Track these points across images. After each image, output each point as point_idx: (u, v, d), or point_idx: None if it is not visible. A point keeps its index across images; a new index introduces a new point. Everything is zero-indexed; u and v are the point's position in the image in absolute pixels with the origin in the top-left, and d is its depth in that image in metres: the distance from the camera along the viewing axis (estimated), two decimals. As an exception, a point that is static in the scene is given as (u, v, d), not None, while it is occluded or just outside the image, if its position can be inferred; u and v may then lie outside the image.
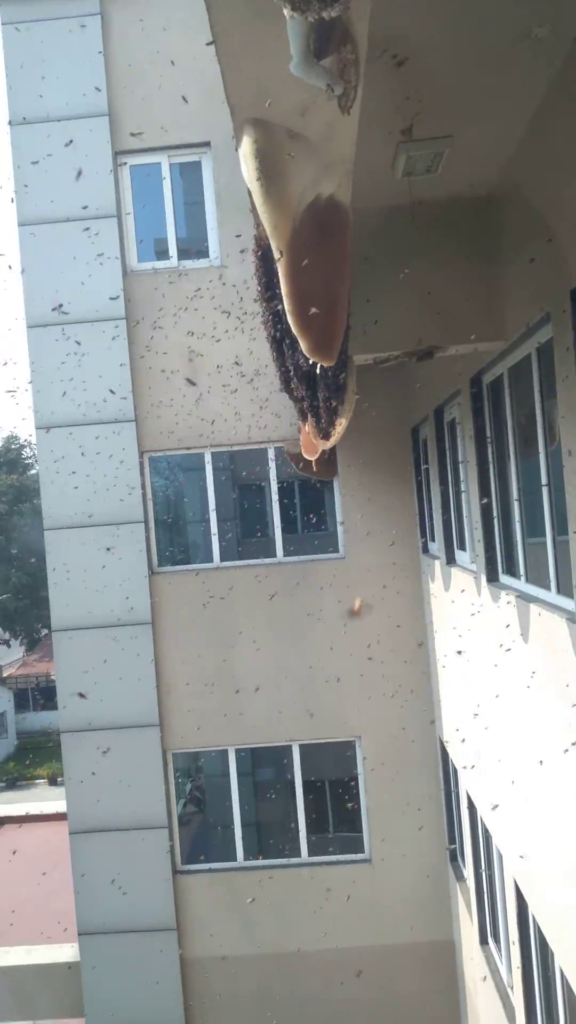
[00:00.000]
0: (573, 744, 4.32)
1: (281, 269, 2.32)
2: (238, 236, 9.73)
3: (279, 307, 3.64)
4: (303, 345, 2.48)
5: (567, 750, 4.44)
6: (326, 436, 4.38)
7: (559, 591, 4.78)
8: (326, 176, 2.31)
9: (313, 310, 2.35)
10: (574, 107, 3.80)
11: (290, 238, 2.24)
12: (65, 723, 10.05)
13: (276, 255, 2.31)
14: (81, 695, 9.87)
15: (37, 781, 28.62)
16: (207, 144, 10.03)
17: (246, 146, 2.14)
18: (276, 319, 3.84)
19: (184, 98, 9.79)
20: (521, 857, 5.66)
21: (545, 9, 3.36)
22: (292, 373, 4.09)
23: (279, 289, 3.04)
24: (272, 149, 2.11)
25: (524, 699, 5.38)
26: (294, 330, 2.43)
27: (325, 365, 2.65)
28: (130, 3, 9.93)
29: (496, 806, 6.48)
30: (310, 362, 2.97)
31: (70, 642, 10.01)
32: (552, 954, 5.23)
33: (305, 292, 2.34)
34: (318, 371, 3.75)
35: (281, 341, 4.02)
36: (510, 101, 4.07)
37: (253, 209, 3.38)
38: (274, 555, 10.13)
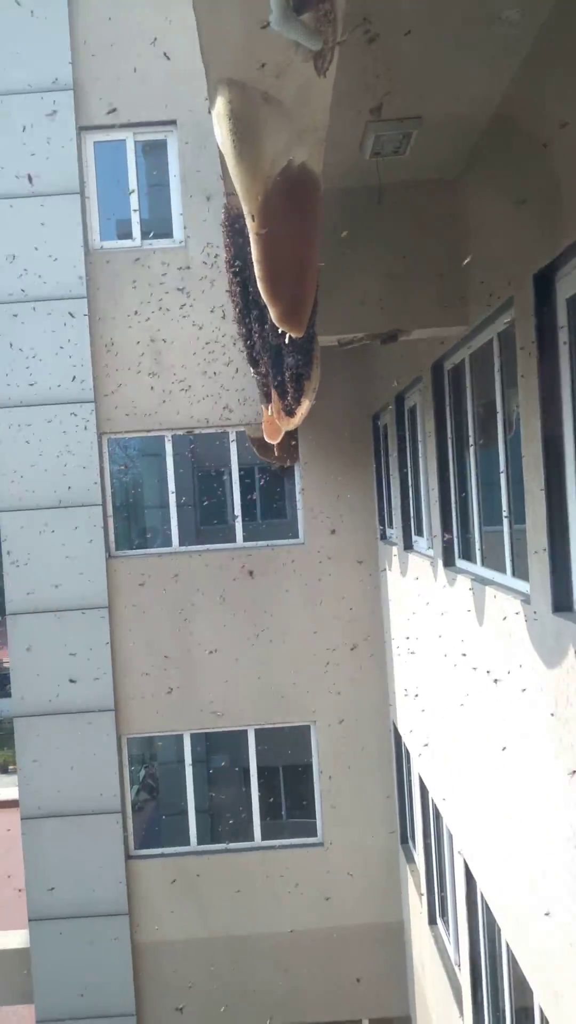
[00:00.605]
0: (521, 724, 4.40)
1: (252, 234, 2.31)
2: (204, 221, 9.66)
3: (247, 277, 3.63)
4: (272, 313, 2.47)
5: (517, 729, 4.53)
6: (291, 413, 4.38)
7: (514, 574, 4.85)
8: (299, 143, 2.30)
9: (282, 277, 2.35)
10: (540, 92, 3.83)
11: (262, 203, 2.23)
12: (17, 708, 9.92)
13: (248, 219, 2.29)
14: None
15: (-13, 769, 28.22)
16: (173, 123, 9.93)
17: (220, 106, 2.12)
18: (244, 291, 3.82)
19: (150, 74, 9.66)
20: (467, 830, 5.76)
21: (516, -9, 3.38)
22: (258, 348, 4.07)
23: (248, 259, 3.03)
24: (246, 111, 2.10)
25: (476, 682, 5.46)
26: (264, 297, 2.43)
27: (294, 335, 2.65)
28: (97, -24, 9.74)
29: (447, 788, 6.58)
30: (278, 332, 2.96)
31: (25, 626, 9.87)
32: (499, 929, 5.34)
33: (275, 258, 2.33)
34: (285, 344, 3.75)
35: (248, 314, 4.01)
36: (479, 83, 4.10)
37: (224, 174, 3.36)
38: (234, 540, 10.11)
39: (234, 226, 3.84)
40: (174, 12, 9.34)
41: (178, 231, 10.08)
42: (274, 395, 4.63)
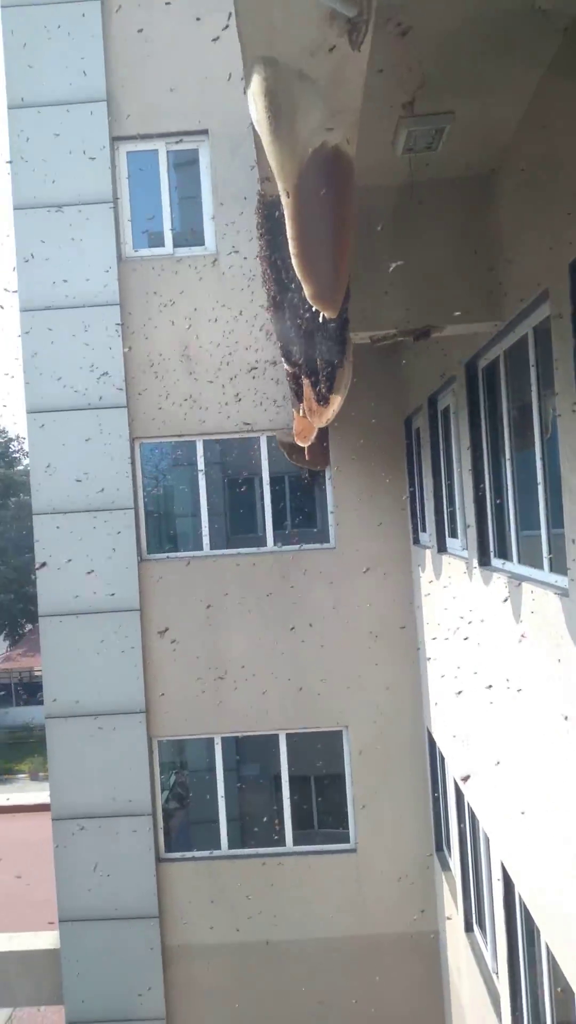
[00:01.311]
0: (564, 719, 4.34)
1: (287, 210, 2.33)
2: (235, 230, 9.73)
3: (281, 266, 3.65)
4: (307, 290, 2.48)
5: (558, 726, 4.47)
6: (323, 402, 4.38)
7: (552, 569, 4.80)
8: (332, 123, 2.32)
9: (317, 255, 2.36)
10: (572, 84, 3.83)
11: (297, 179, 2.25)
12: (50, 709, 10.00)
13: (283, 196, 2.31)
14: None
15: (19, 775, 28.49)
16: (205, 132, 10.04)
17: (255, 85, 2.14)
18: (277, 276, 3.84)
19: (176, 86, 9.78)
20: (504, 833, 5.68)
21: (550, -21, 3.38)
22: (292, 337, 4.09)
23: (282, 246, 3.05)
24: (281, 88, 2.12)
25: (513, 680, 5.40)
26: (298, 274, 2.44)
27: (328, 315, 2.65)
28: (130, -11, 9.91)
29: (484, 792, 6.50)
30: (311, 316, 2.97)
31: (57, 629, 9.97)
32: (538, 931, 5.25)
33: (310, 235, 2.34)
34: (318, 329, 3.76)
35: (281, 304, 4.03)
36: (512, 77, 4.10)
37: (259, 158, 3.38)
38: (264, 544, 10.13)
39: (268, 214, 3.87)
40: (205, 23, 9.45)
41: (209, 240, 10.17)
42: (306, 386, 4.64)
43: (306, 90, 2.19)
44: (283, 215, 2.62)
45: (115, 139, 10.12)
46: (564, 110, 3.93)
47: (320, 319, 3.52)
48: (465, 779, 5.56)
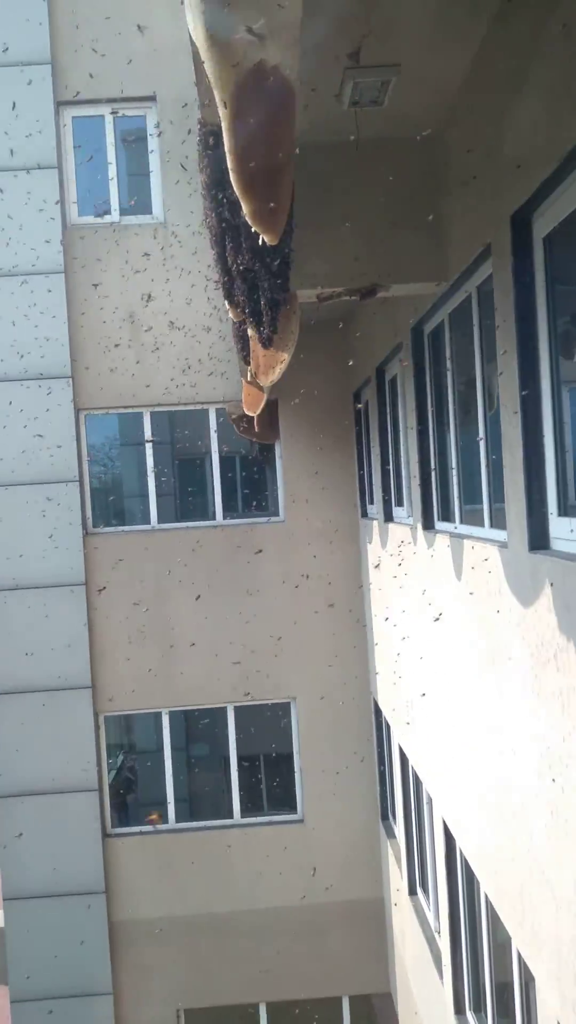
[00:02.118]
0: (499, 663, 4.42)
1: (224, 123, 2.29)
2: (183, 197, 9.58)
3: (223, 199, 3.61)
4: (245, 209, 2.46)
5: (495, 675, 4.54)
6: (269, 344, 4.36)
7: (492, 525, 4.87)
8: (271, 41, 2.29)
9: (256, 172, 2.33)
10: (517, 37, 3.85)
11: (234, 89, 2.22)
12: (-6, 685, 9.83)
13: (220, 108, 2.28)
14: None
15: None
16: (152, 98, 9.88)
17: (191, -9, 2.11)
18: (219, 212, 3.80)
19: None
20: (445, 790, 5.77)
21: None
22: (234, 275, 4.06)
23: (224, 178, 3.02)
24: (217, -4, 2.09)
25: (455, 640, 5.47)
26: (236, 190, 2.41)
27: (268, 239, 2.63)
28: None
29: (426, 753, 6.60)
30: (257, 242, 2.93)
31: (3, 603, 9.78)
32: (478, 884, 5.35)
33: (249, 151, 2.31)
34: (261, 264, 3.72)
35: (223, 240, 3.99)
36: (458, 29, 4.10)
37: (198, 80, 3.34)
38: (213, 517, 10.08)
39: (208, 141, 3.82)
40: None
41: (157, 208, 10.04)
42: (252, 338, 4.61)
43: (242, 1, 2.16)
44: (223, 142, 2.58)
45: (60, 103, 9.90)
46: (508, 63, 3.96)
47: (262, 250, 3.49)
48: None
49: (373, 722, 9.70)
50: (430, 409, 6.25)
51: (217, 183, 3.68)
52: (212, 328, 9.72)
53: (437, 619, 5.97)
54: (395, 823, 8.92)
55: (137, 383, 9.88)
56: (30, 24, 9.71)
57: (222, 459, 10.14)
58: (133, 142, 10.30)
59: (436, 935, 7.07)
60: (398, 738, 8.06)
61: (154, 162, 10.00)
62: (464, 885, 6.00)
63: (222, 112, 2.28)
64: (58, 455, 9.79)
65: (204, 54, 2.19)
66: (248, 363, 6.10)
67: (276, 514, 10.13)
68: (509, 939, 4.69)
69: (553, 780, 3.67)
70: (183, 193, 9.61)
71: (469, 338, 5.16)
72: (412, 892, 7.96)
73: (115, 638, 9.80)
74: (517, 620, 4.14)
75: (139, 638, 9.81)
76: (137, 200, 10.14)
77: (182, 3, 2.28)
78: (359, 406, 9.48)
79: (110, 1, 9.62)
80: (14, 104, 9.57)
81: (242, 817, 9.97)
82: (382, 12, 3.95)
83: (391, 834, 9.19)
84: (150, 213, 10.04)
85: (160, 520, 10.06)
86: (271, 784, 10.23)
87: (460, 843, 5.69)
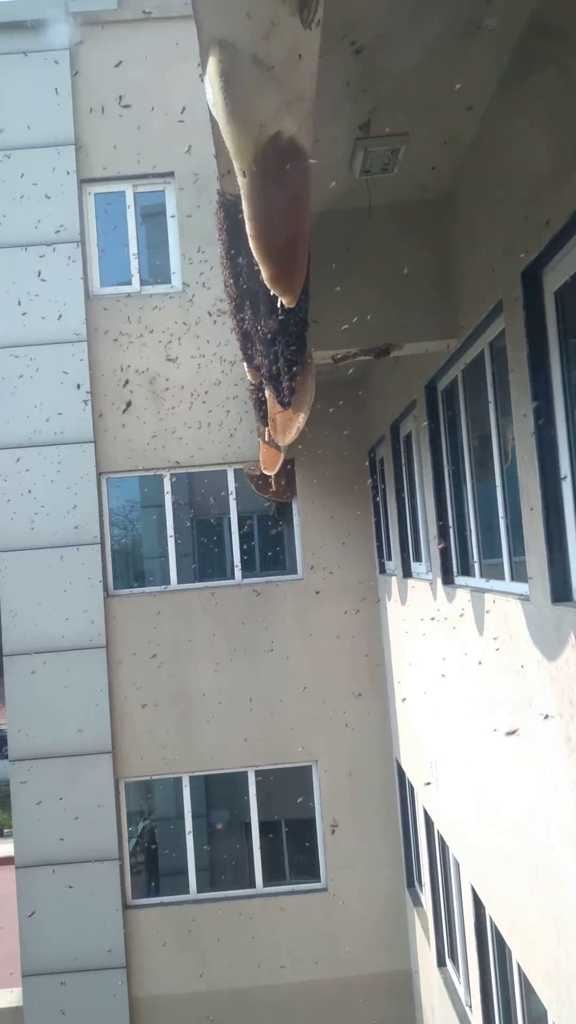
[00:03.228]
0: (520, 730, 4.34)
1: (244, 191, 2.40)
2: (201, 267, 9.87)
3: (241, 266, 3.73)
4: (264, 273, 2.54)
5: (520, 735, 4.46)
6: (286, 404, 4.44)
7: (513, 578, 4.85)
8: (288, 112, 2.40)
9: (274, 237, 2.43)
10: (522, 102, 4.01)
11: (252, 159, 2.32)
12: (15, 752, 9.73)
13: (239, 177, 2.38)
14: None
15: (-19, 834, 27.49)
16: (171, 174, 10.28)
17: (211, 67, 2.22)
18: (237, 277, 3.92)
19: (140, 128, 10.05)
20: (473, 854, 5.61)
21: (494, -1, 3.56)
22: (254, 336, 4.16)
23: (243, 246, 3.13)
24: (236, 71, 2.20)
25: (478, 697, 5.39)
26: (256, 255, 2.50)
27: (286, 302, 2.71)
28: (97, 38, 10.22)
29: (452, 815, 6.43)
30: (275, 306, 3.02)
31: (22, 667, 9.76)
32: (509, 954, 5.15)
33: (267, 217, 2.41)
34: (279, 326, 3.82)
35: (243, 302, 4.10)
36: (464, 97, 4.28)
37: (217, 151, 3.48)
38: (232, 577, 10.09)
39: (228, 210, 3.96)
40: (171, 70, 9.78)
41: (176, 278, 10.34)
42: (269, 397, 4.69)
43: (261, 75, 2.27)
44: (243, 212, 2.69)
45: (83, 181, 10.32)
46: (514, 126, 4.11)
47: (281, 313, 3.59)
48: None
49: (397, 784, 9.48)
50: (446, 464, 6.29)
51: (236, 250, 3.81)
52: (229, 391, 9.90)
53: (459, 676, 5.89)
54: (421, 890, 8.64)
55: (157, 446, 10.03)
56: (54, 106, 10.19)
57: (240, 518, 10.20)
58: (152, 216, 10.67)
59: (468, 1009, 6.77)
60: (422, 801, 7.87)
61: (172, 234, 10.33)
62: (495, 956, 5.77)
63: (241, 181, 2.39)
64: (80, 518, 9.89)
65: (224, 127, 2.31)
66: (266, 424, 6.20)
67: (294, 572, 10.12)
68: (545, 1013, 4.50)
69: (585, 838, 3.57)
70: (200, 262, 9.92)
71: (483, 393, 5.23)
72: (441, 964, 7.65)
73: (135, 701, 9.72)
74: (542, 674, 4.08)
75: (159, 701, 9.73)
76: (156, 270, 10.46)
77: (202, 80, 2.41)
78: (374, 461, 9.55)
79: (129, 84, 10.10)
80: (28, 180, 10.02)
81: (265, 886, 9.69)
82: (390, 84, 4.13)
83: (418, 902, 8.89)
84: (169, 282, 10.34)
85: (179, 580, 10.08)
86: (293, 851, 9.96)
87: (490, 911, 5.50)
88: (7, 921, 10.80)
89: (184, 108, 9.68)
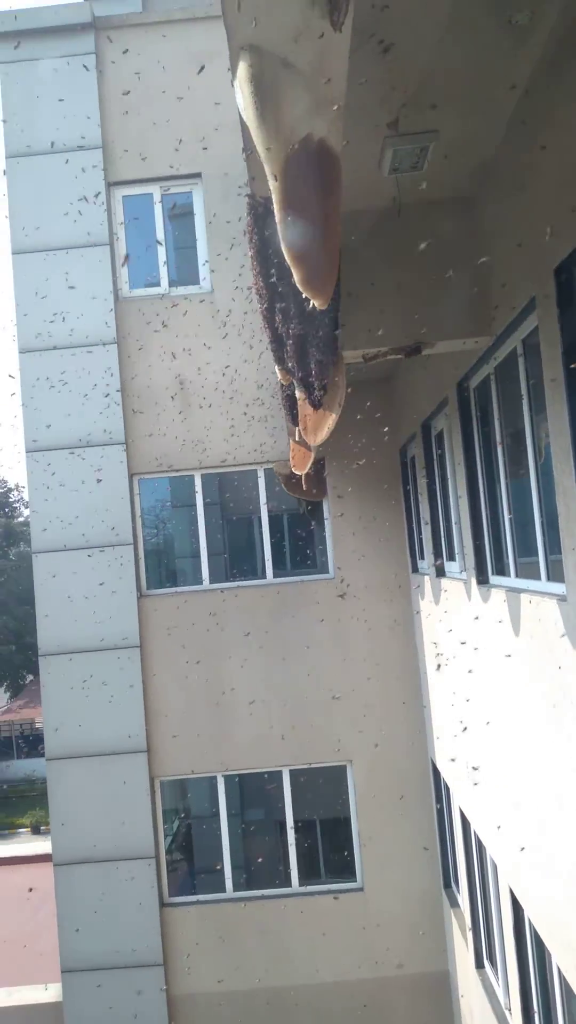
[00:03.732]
0: (564, 727, 4.29)
1: (275, 195, 2.39)
2: (229, 268, 9.91)
3: (271, 268, 3.72)
4: (296, 276, 2.53)
5: (560, 733, 4.41)
6: (318, 406, 4.43)
7: (549, 578, 4.79)
8: (317, 115, 2.39)
9: (305, 240, 2.41)
10: (552, 98, 3.95)
11: (284, 163, 2.31)
12: (51, 751, 9.85)
13: (271, 180, 2.37)
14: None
15: (20, 830, 27.86)
16: (198, 176, 10.30)
17: (241, 72, 2.22)
18: (269, 279, 3.91)
19: (178, 139, 10.09)
20: (521, 850, 5.55)
21: (524, -6, 3.51)
22: (284, 337, 4.15)
23: (273, 249, 3.11)
24: (267, 75, 2.19)
25: (514, 698, 5.34)
26: (287, 258, 2.49)
27: (317, 304, 2.70)
28: (123, 41, 10.27)
29: (489, 815, 6.37)
30: (306, 307, 3.01)
31: (58, 667, 9.88)
32: (549, 957, 5.09)
33: (300, 219, 2.40)
34: (309, 328, 3.81)
35: (273, 303, 4.10)
36: (493, 94, 4.23)
37: (248, 156, 3.47)
38: (264, 576, 10.10)
39: (257, 212, 3.96)
40: (196, 71, 9.78)
41: (204, 279, 10.37)
42: (300, 399, 4.68)
43: (291, 78, 2.26)
44: (273, 214, 2.68)
45: (111, 184, 10.39)
46: (545, 122, 4.05)
47: (312, 315, 3.58)
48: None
49: (432, 784, 9.43)
50: (479, 462, 6.23)
51: (266, 252, 3.81)
52: (258, 390, 9.91)
53: (494, 676, 5.84)
54: (458, 891, 8.59)
55: (188, 446, 10.07)
56: (82, 110, 10.27)
57: (271, 518, 10.21)
58: (180, 216, 10.70)
59: (507, 1012, 6.71)
60: (458, 800, 7.82)
61: (200, 235, 10.36)
62: (535, 958, 5.71)
63: (272, 184, 2.38)
64: (113, 519, 9.97)
65: (255, 131, 2.30)
66: (296, 424, 6.19)
67: (326, 571, 10.11)
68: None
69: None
70: (228, 262, 9.94)
71: (516, 390, 5.17)
72: (479, 965, 7.60)
73: (169, 700, 9.79)
74: (580, 674, 4.03)
75: (193, 700, 9.78)
76: (185, 271, 10.50)
77: (232, 85, 2.40)
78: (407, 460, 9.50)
79: (155, 86, 10.14)
80: (62, 183, 10.10)
81: (300, 885, 9.70)
82: (419, 82, 4.09)
83: (455, 903, 8.84)
84: (197, 284, 10.37)
85: (211, 580, 10.12)
86: (329, 850, 9.95)
87: (528, 912, 5.45)
88: (47, 917, 10.94)
89: (215, 104, 9.70)
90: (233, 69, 2.31)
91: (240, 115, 2.45)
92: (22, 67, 10.38)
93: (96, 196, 10.18)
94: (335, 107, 2.47)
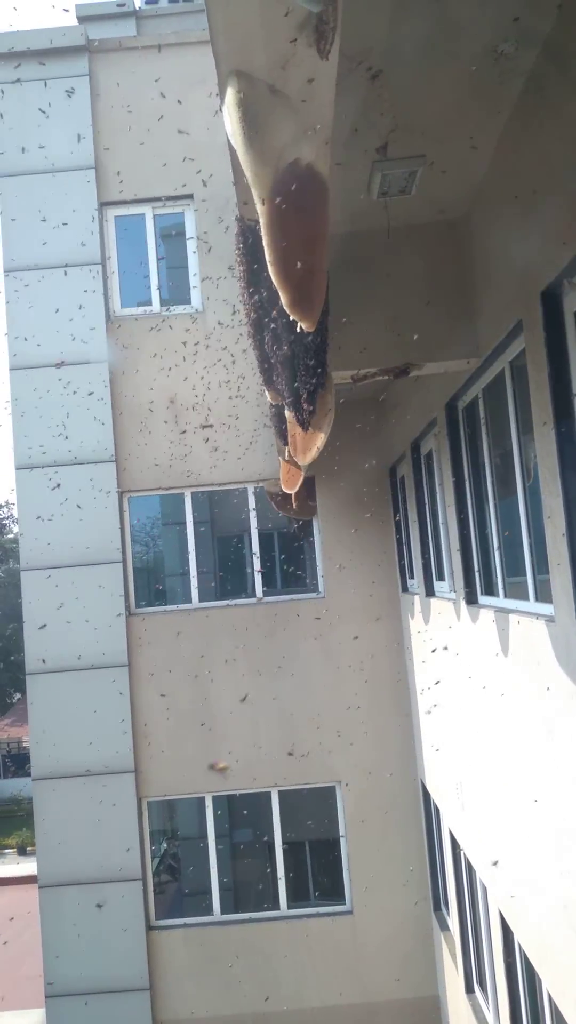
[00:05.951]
0: (553, 749, 4.28)
1: (263, 219, 2.41)
2: (219, 288, 9.97)
3: (260, 290, 3.74)
4: (283, 299, 2.55)
5: (550, 755, 4.39)
6: (307, 427, 4.44)
7: (537, 599, 4.79)
8: (305, 140, 2.41)
9: (292, 264, 2.43)
10: (538, 123, 4.00)
11: (271, 188, 2.33)
12: (38, 770, 9.76)
13: (258, 205, 2.39)
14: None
15: (5, 851, 27.51)
16: (190, 197, 10.37)
17: (229, 97, 2.24)
18: (257, 302, 3.94)
19: (166, 161, 10.17)
20: (510, 874, 5.51)
21: (509, 24, 3.57)
22: (273, 359, 4.16)
23: (260, 271, 3.13)
24: (254, 101, 2.22)
25: (504, 719, 5.32)
26: (275, 282, 2.50)
27: (305, 326, 2.72)
28: (116, 63, 10.38)
29: (479, 838, 6.34)
30: (294, 329, 3.03)
31: (45, 685, 9.80)
32: (539, 982, 5.05)
33: (286, 244, 2.42)
34: (298, 349, 3.83)
35: (261, 325, 4.12)
36: (480, 120, 4.28)
37: (236, 179, 3.50)
38: (253, 595, 10.08)
39: (246, 236, 3.98)
40: (188, 94, 9.90)
41: (196, 299, 10.41)
42: (289, 419, 4.70)
43: (278, 104, 2.29)
44: (262, 237, 2.70)
45: (103, 204, 10.45)
46: (531, 147, 4.10)
47: (300, 337, 3.59)
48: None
49: (422, 806, 9.38)
50: (467, 482, 6.25)
51: (255, 275, 3.83)
52: (249, 409, 9.94)
53: (483, 697, 5.82)
54: (448, 914, 8.52)
55: (177, 465, 10.07)
56: (74, 131, 10.35)
57: (261, 536, 10.20)
58: (171, 237, 10.77)
59: (497, 1037, 6.64)
60: (448, 822, 7.77)
61: (191, 256, 10.41)
62: (525, 984, 5.66)
63: (260, 209, 2.40)
64: (102, 537, 9.94)
65: (243, 156, 2.32)
66: (286, 443, 6.20)
67: (316, 590, 10.09)
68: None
69: (614, 866, 3.50)
70: (219, 283, 9.99)
71: (504, 411, 5.20)
72: (469, 990, 7.52)
73: (158, 720, 9.72)
74: (569, 696, 4.03)
75: (181, 720, 9.71)
76: (176, 291, 10.55)
77: (220, 111, 2.43)
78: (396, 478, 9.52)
79: (147, 109, 10.23)
80: (54, 204, 10.16)
81: (289, 908, 9.60)
82: (407, 108, 4.15)
83: (444, 926, 8.76)
84: (188, 303, 10.42)
85: (201, 599, 10.08)
86: (318, 872, 9.87)
87: (518, 936, 5.40)
88: (31, 940, 10.79)
89: (207, 128, 9.80)
90: (221, 95, 2.33)
91: (228, 140, 2.48)
92: (16, 88, 10.46)
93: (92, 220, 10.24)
94: (322, 132, 2.49)
